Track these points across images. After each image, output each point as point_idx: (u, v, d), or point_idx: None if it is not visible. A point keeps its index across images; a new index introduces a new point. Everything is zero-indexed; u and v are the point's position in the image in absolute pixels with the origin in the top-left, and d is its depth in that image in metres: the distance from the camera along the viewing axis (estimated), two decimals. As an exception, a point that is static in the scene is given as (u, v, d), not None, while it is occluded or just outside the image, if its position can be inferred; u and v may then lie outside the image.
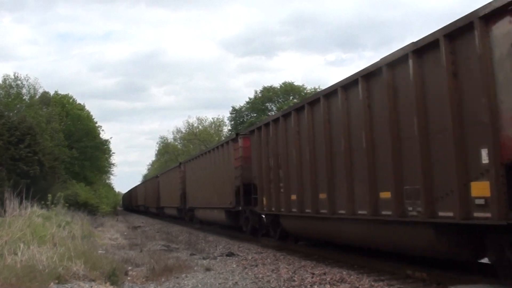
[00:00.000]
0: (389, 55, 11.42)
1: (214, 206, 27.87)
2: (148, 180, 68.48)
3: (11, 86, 51.43)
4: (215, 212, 28.13)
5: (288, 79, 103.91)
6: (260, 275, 12.91)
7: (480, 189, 8.64)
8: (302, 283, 11.56)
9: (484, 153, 8.56)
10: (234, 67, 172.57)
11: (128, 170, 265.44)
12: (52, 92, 58.26)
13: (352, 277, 11.94)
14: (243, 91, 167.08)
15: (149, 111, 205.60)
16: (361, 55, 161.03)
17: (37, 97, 52.62)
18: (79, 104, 63.45)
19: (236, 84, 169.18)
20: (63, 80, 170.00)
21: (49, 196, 23.48)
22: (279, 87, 71.13)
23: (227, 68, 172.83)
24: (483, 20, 8.54)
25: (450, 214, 9.42)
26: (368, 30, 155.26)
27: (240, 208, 23.01)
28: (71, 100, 62.22)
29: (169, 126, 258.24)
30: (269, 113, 63.60)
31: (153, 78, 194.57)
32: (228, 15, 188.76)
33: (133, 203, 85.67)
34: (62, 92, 62.18)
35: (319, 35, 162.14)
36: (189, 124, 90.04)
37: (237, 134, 23.96)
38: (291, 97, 68.87)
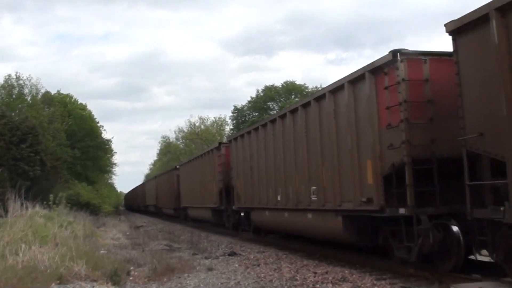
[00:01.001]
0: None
1: (312, 207, 15.58)
2: (162, 174, 55.17)
3: (13, 86, 51.51)
4: (312, 218, 15.82)
5: (288, 78, 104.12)
6: (262, 275, 12.89)
7: None
8: (304, 282, 11.54)
9: None
10: (234, 67, 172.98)
11: (129, 170, 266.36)
12: (54, 92, 58.26)
13: (354, 276, 11.91)
14: (243, 91, 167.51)
15: (150, 111, 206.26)
16: (361, 54, 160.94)
17: (39, 97, 52.65)
18: (81, 103, 63.49)
19: (236, 83, 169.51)
20: (63, 81, 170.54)
21: (51, 196, 23.53)
22: (280, 86, 71.14)
23: (226, 68, 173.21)
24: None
25: None
26: (366, 29, 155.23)
27: (388, 209, 11.70)
28: (73, 100, 62.22)
29: (170, 126, 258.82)
30: (271, 112, 63.56)
31: (153, 78, 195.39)
32: (226, 15, 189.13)
33: (139, 203, 77.88)
34: (62, 92, 62.03)
35: (318, 34, 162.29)
36: (191, 124, 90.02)
37: (394, 53, 11.49)
38: (293, 96, 68.86)
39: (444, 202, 10.95)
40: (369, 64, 12.39)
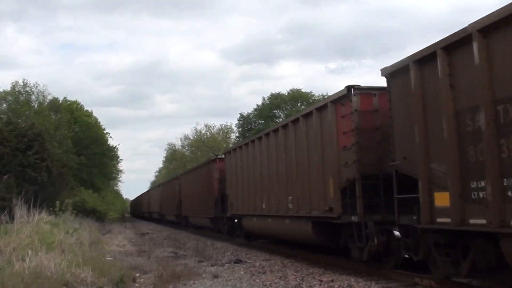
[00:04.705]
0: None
1: (289, 214, 17.60)
2: (165, 183, 55.38)
3: (20, 93, 51.73)
4: (289, 223, 17.93)
5: (290, 87, 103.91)
6: (268, 282, 12.89)
7: None
8: (310, 291, 11.54)
9: None
10: (236, 76, 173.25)
11: (134, 177, 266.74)
12: (61, 99, 58.40)
13: (360, 284, 11.91)
14: (245, 99, 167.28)
15: (153, 119, 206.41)
16: (362, 63, 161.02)
17: (45, 103, 52.82)
18: (87, 110, 63.64)
19: (238, 92, 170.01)
20: (67, 89, 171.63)
21: (57, 203, 23.61)
22: (286, 94, 71.16)
23: (228, 76, 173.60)
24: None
25: None
26: (367, 39, 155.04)
27: (344, 216, 13.91)
28: (79, 106, 62.39)
29: (174, 133, 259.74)
30: (277, 120, 63.66)
31: (156, 86, 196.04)
32: (228, 25, 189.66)
33: (144, 210, 75.51)
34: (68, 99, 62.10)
35: (319, 43, 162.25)
36: (197, 131, 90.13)
37: (349, 88, 13.78)
38: (299, 104, 68.86)
39: (388, 211, 12.43)
40: (330, 96, 15.13)
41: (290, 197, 17.38)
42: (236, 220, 25.98)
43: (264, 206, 20.21)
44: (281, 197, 18.17)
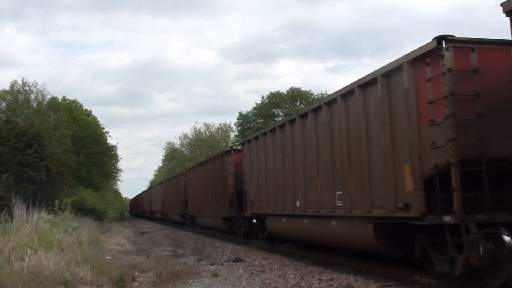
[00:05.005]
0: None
1: (337, 213, 14.09)
2: (168, 180, 50.76)
3: (19, 92, 51.76)
4: (336, 225, 14.43)
5: (288, 85, 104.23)
6: (267, 281, 12.88)
7: None
8: (309, 289, 11.53)
9: None
10: (234, 74, 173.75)
11: (133, 176, 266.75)
12: (60, 98, 58.45)
13: (359, 283, 11.89)
14: (243, 98, 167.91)
15: (151, 118, 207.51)
16: (360, 62, 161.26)
17: (45, 103, 52.87)
18: (86, 109, 63.68)
19: (237, 90, 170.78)
20: (66, 88, 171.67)
21: (56, 202, 23.63)
22: (286, 92, 71.21)
23: (227, 75, 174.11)
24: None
25: None
26: (365, 37, 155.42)
27: (430, 216, 10.27)
28: (78, 105, 62.40)
29: (172, 132, 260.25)
30: (276, 119, 63.62)
31: (154, 85, 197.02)
32: (226, 23, 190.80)
33: (145, 209, 73.89)
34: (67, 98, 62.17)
35: (317, 42, 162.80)
36: (196, 130, 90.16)
37: (439, 40, 9.97)
38: (298, 103, 68.88)
39: (494, 208, 9.62)
40: (407, 54, 10.91)
41: (338, 193, 13.86)
42: (254, 220, 22.99)
43: (298, 205, 16.63)
44: (325, 192, 14.64)
